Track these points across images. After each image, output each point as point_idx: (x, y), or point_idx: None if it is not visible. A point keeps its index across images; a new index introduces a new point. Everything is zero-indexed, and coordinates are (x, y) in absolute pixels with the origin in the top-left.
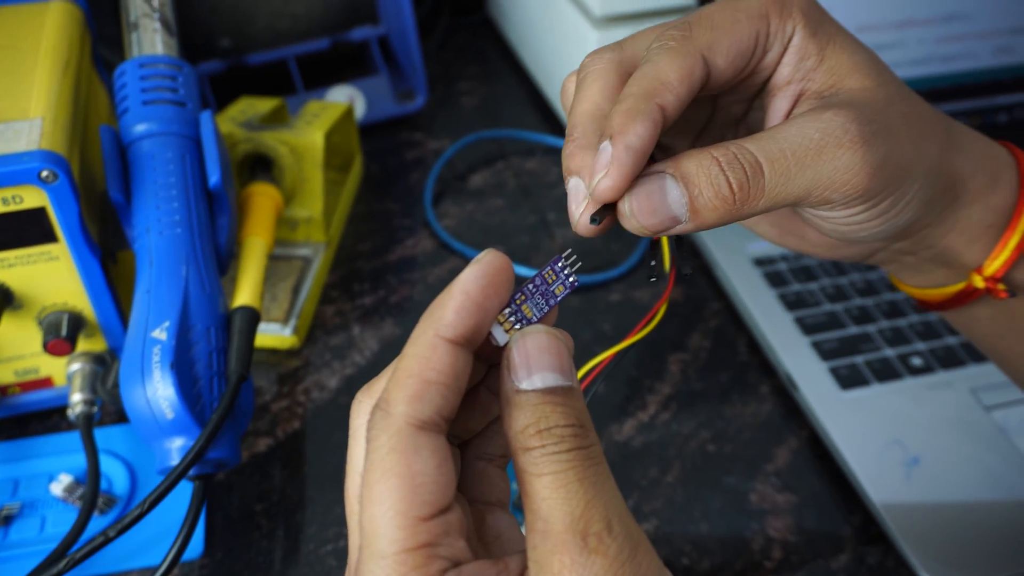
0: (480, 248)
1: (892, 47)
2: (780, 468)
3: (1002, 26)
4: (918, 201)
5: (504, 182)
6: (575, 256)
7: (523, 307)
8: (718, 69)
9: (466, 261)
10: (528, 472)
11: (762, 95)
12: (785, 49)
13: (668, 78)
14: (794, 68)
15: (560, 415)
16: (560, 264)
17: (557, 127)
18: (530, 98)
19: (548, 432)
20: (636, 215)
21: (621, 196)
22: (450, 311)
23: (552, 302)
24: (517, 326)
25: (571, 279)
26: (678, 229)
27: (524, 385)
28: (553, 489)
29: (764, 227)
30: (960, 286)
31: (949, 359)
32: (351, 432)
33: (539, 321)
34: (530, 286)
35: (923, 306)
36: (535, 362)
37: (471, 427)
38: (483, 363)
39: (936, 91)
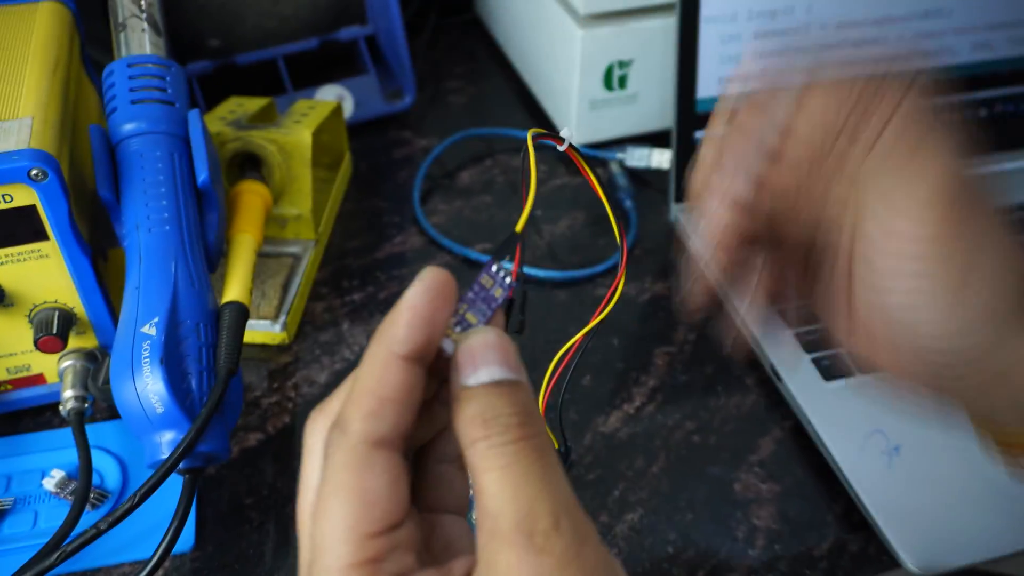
0: (468, 245)
1: (872, 44)
2: (764, 458)
3: (980, 22)
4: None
5: (492, 179)
6: (508, 256)
7: (467, 315)
8: None
9: (455, 257)
10: (476, 467)
11: None
12: None
13: None
14: None
15: (505, 404)
16: (495, 268)
17: (545, 125)
18: (518, 96)
19: (494, 420)
20: None
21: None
22: (401, 327)
23: (494, 305)
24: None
25: (507, 280)
26: None
27: (470, 381)
28: (500, 486)
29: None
30: None
31: None
32: (305, 449)
33: (484, 325)
34: (470, 294)
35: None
36: (480, 358)
37: (422, 437)
38: (435, 379)
39: None
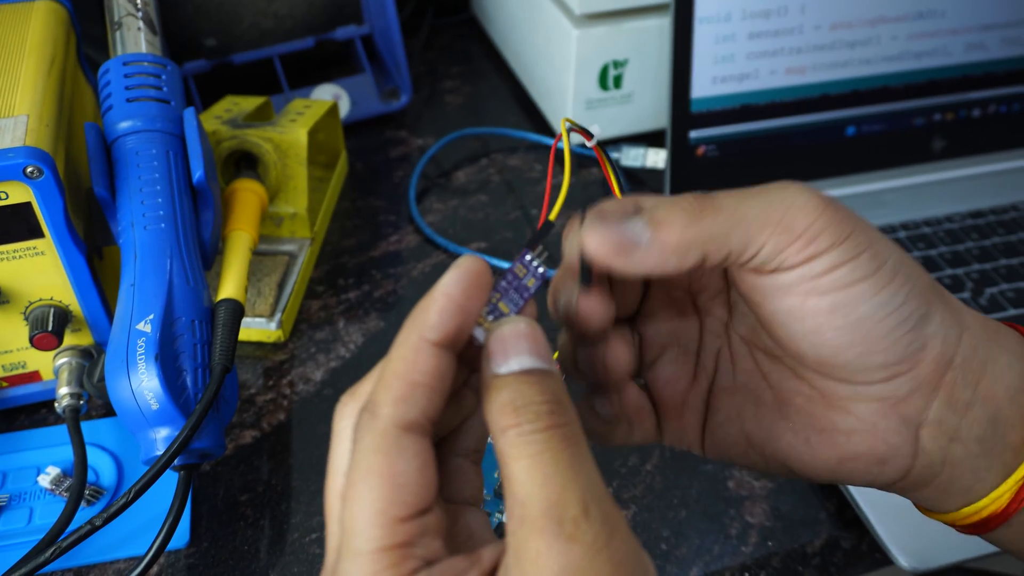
0: (464, 243)
1: (865, 44)
2: None
3: (973, 23)
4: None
5: (488, 178)
6: (542, 247)
7: (499, 304)
8: None
9: (450, 256)
10: (506, 455)
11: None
12: None
13: None
14: None
15: (535, 392)
16: (529, 257)
17: (540, 124)
18: (514, 96)
19: (524, 408)
20: None
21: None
22: (433, 314)
23: (526, 295)
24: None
25: (540, 270)
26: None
27: (502, 370)
28: (530, 474)
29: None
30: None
31: None
32: (334, 433)
33: (516, 315)
34: (503, 283)
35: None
36: (511, 347)
37: (449, 424)
38: (466, 367)
39: (910, 87)
